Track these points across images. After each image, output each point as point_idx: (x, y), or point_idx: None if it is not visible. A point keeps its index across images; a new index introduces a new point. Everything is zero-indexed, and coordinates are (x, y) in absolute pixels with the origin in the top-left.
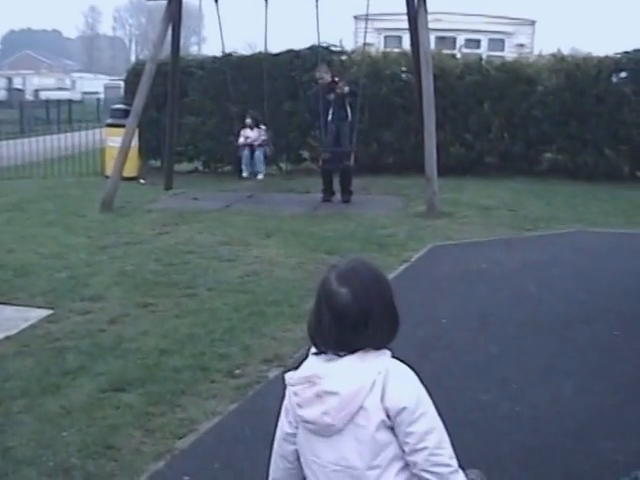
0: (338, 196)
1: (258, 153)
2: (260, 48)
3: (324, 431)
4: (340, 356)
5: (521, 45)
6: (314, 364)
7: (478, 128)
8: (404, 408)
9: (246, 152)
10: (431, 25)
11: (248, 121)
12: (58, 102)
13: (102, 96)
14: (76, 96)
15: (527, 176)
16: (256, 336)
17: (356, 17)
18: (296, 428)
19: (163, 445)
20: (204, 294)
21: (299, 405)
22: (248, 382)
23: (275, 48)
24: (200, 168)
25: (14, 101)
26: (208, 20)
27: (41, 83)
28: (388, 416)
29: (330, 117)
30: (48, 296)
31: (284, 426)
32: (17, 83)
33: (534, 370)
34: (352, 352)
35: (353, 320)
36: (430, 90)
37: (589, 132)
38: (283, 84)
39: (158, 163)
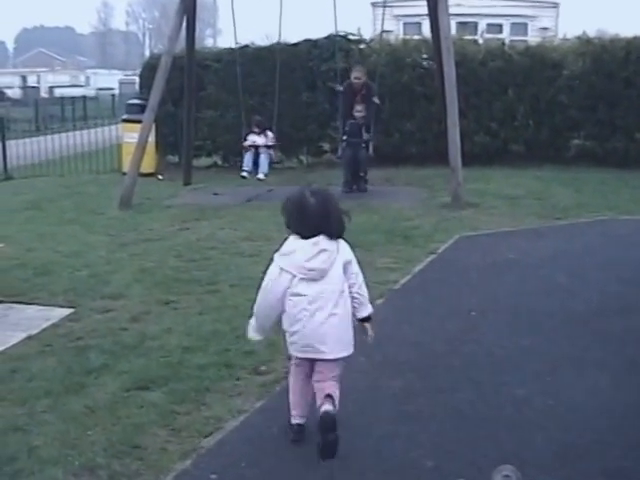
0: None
1: (263, 156)
2: (277, 39)
3: (319, 275)
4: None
5: (545, 28)
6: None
7: (503, 115)
8: (350, 260)
9: (249, 154)
10: (451, 10)
11: (255, 130)
12: (73, 99)
13: (117, 92)
14: (91, 92)
15: (554, 164)
16: (281, 332)
17: (374, 4)
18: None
19: (189, 444)
20: (227, 290)
21: (307, 260)
22: (274, 379)
23: (292, 38)
24: (219, 162)
25: (29, 99)
26: (223, 12)
27: (55, 80)
28: (344, 265)
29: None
30: (69, 295)
31: (284, 283)
32: (31, 81)
33: (568, 363)
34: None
35: (319, 216)
36: (452, 77)
37: (618, 117)
38: (301, 74)
39: (176, 158)
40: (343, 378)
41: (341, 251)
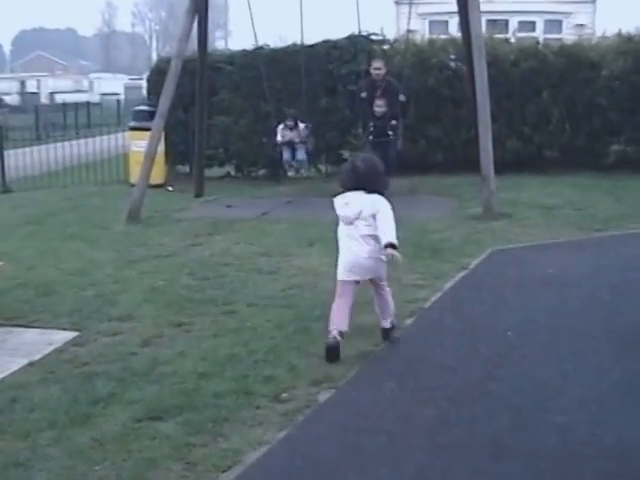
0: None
1: (301, 152)
2: (292, 41)
3: (347, 221)
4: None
5: (581, 25)
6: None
7: (536, 119)
8: (378, 211)
9: (287, 153)
10: (482, 7)
11: (289, 123)
12: (76, 105)
13: (122, 97)
14: (94, 98)
15: (593, 171)
16: (303, 355)
17: (397, 2)
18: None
19: (206, 479)
20: (244, 311)
21: (338, 209)
22: (297, 407)
23: (310, 39)
24: (232, 173)
25: (28, 106)
26: (234, 13)
27: (56, 85)
28: (373, 213)
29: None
30: (73, 317)
31: (340, 225)
32: (31, 86)
33: (615, 388)
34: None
35: (364, 176)
36: (484, 78)
37: None
38: (320, 78)
39: (187, 168)
40: (371, 406)
41: (371, 205)
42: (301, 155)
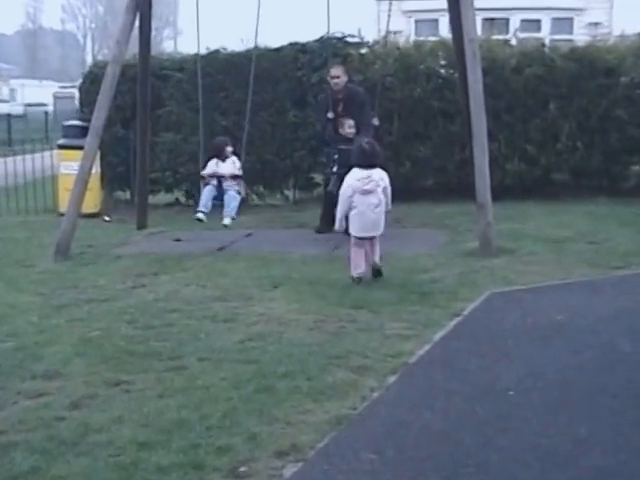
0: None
1: (231, 192)
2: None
3: (367, 192)
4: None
5: (595, 24)
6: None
7: (542, 136)
8: (386, 186)
9: (210, 188)
10: (477, 4)
11: (229, 149)
12: None
13: (51, 108)
14: (17, 109)
15: (610, 197)
16: (265, 421)
17: None
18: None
19: None
20: (194, 366)
21: (361, 183)
22: None
23: (276, 42)
24: (182, 200)
25: None
26: (185, 7)
27: None
28: (383, 188)
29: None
30: None
31: (348, 193)
32: None
33: (636, 457)
34: (373, 167)
35: (372, 155)
36: (479, 88)
37: None
38: (286, 87)
39: (127, 195)
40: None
41: (383, 179)
42: (230, 198)
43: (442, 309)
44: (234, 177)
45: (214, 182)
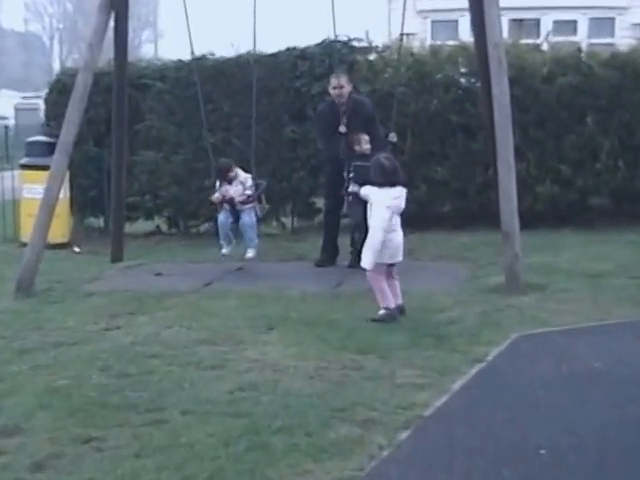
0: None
1: (247, 218)
2: (247, 49)
3: (397, 211)
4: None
5: None
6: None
7: (578, 155)
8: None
9: (224, 216)
10: (503, 3)
11: (232, 174)
12: None
13: (12, 122)
14: None
15: None
16: None
17: None
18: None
19: None
20: (177, 420)
21: (398, 201)
22: None
23: (271, 47)
24: (164, 228)
25: None
26: (165, 6)
27: None
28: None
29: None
30: None
31: (387, 215)
32: None
33: None
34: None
35: (394, 171)
36: (505, 100)
37: None
38: (283, 99)
39: (101, 222)
40: None
41: (404, 199)
42: (248, 222)
43: (461, 354)
44: (246, 200)
45: (226, 206)
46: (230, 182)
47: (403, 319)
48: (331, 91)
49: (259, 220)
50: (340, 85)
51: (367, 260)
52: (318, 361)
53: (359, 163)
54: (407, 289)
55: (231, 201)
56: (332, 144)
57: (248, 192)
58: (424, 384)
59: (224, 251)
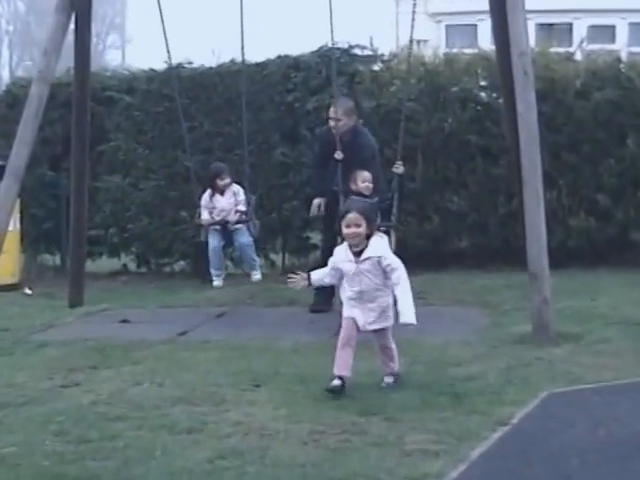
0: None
1: (243, 239)
2: (231, 57)
3: None
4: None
5: None
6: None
7: (618, 182)
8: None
9: (215, 239)
10: (529, 4)
11: (226, 181)
12: None
13: None
14: None
15: None
16: None
17: None
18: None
19: None
20: None
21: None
22: None
23: (259, 55)
24: (131, 267)
25: None
26: (134, 7)
27: None
28: None
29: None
30: None
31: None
32: None
33: None
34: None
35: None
36: (531, 118)
37: None
38: (273, 115)
39: (57, 259)
40: None
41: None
42: (245, 243)
43: (482, 416)
44: (240, 219)
45: (216, 227)
46: (222, 192)
47: (414, 375)
48: (330, 121)
49: (256, 241)
50: (336, 118)
51: (410, 313)
52: (313, 424)
53: (355, 198)
54: (418, 339)
55: (223, 219)
56: (327, 173)
57: (242, 208)
58: (438, 451)
59: (217, 283)
